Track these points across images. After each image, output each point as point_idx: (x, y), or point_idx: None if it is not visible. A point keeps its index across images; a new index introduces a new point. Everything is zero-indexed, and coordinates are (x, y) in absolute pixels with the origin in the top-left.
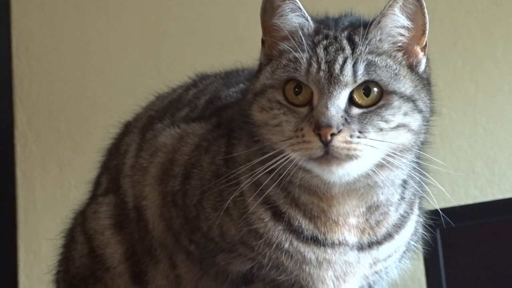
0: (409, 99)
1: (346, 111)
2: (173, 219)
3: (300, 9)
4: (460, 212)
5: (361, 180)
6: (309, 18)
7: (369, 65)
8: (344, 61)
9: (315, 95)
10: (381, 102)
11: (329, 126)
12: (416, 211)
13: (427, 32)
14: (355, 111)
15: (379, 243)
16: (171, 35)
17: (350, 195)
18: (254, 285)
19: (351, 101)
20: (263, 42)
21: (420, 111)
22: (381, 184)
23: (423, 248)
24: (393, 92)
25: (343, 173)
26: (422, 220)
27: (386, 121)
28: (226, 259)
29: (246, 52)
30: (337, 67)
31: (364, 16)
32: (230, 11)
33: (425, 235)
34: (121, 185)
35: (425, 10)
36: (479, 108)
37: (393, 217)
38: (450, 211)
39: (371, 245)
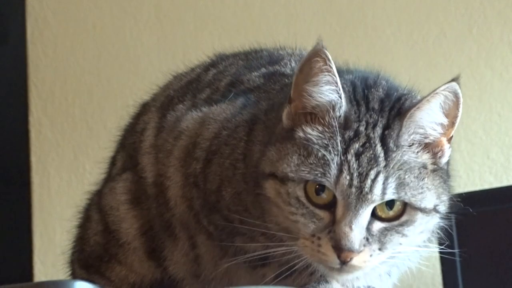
0: (432, 210)
1: (368, 227)
2: (194, 200)
3: (337, 83)
4: (475, 198)
5: None
6: (342, 95)
7: (399, 184)
8: (376, 176)
9: (339, 206)
10: (404, 218)
11: (351, 250)
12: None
13: (456, 124)
14: (376, 226)
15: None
16: (186, 21)
17: None
18: (270, 266)
19: (373, 213)
20: (290, 100)
21: (439, 213)
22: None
23: (437, 234)
24: (418, 209)
25: (351, 277)
26: None
27: (406, 237)
28: (244, 241)
29: (261, 38)
30: (369, 183)
31: (390, 80)
32: None
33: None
34: (139, 162)
35: (461, 105)
36: (494, 94)
37: None
38: (465, 197)
39: None
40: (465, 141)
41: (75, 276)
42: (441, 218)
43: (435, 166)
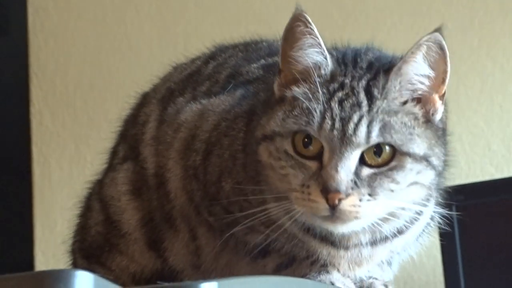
0: (423, 158)
1: (356, 172)
2: (194, 192)
3: (320, 45)
4: (476, 189)
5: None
6: (328, 56)
7: (384, 126)
8: (359, 120)
9: (325, 152)
10: (393, 163)
11: (338, 191)
12: (434, 194)
13: (447, 80)
14: (365, 171)
15: (395, 235)
16: (187, 12)
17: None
18: (270, 257)
19: (362, 160)
20: (279, 71)
21: (433, 167)
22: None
23: (438, 225)
24: (407, 154)
25: (347, 229)
26: (439, 199)
27: (397, 183)
28: (244, 232)
29: (263, 29)
30: (351, 126)
31: (384, 51)
32: None
33: (442, 213)
34: (140, 153)
35: (448, 58)
36: (496, 86)
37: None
38: (466, 188)
39: (385, 239)
40: (466, 132)
41: (76, 265)
42: (437, 175)
43: (427, 120)
